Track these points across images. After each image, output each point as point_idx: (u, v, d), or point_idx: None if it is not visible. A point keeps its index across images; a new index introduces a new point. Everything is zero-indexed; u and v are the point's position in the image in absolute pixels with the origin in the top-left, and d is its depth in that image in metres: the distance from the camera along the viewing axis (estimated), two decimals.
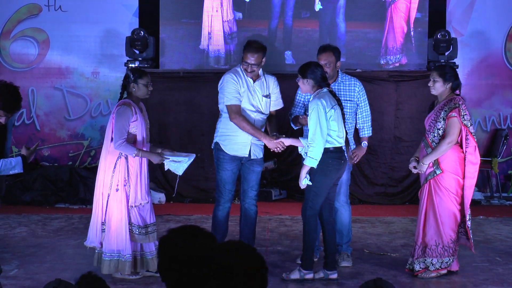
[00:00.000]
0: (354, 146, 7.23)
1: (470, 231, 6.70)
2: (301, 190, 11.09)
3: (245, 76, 6.90)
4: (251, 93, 6.90)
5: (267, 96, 6.98)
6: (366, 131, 7.31)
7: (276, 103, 7.07)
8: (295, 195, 10.92)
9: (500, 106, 11.73)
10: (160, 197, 10.51)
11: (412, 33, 11.31)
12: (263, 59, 6.86)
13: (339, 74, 7.18)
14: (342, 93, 7.07)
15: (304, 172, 6.35)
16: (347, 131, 6.78)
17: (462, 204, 6.64)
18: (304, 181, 6.37)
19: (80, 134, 11.78)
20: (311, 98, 6.45)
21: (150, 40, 10.96)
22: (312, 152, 6.28)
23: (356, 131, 7.34)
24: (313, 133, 6.28)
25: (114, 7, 11.64)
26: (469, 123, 6.54)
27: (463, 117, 6.50)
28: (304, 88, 6.49)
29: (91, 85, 11.76)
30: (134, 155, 6.35)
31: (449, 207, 6.58)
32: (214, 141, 7.04)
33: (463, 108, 6.53)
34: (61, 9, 11.66)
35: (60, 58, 11.73)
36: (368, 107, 7.26)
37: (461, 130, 6.52)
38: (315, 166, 6.29)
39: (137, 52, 11.00)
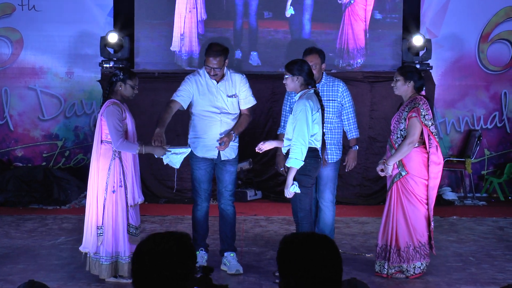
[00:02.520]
0: (339, 153, 7.27)
1: (432, 232, 6.68)
2: (276, 190, 11.14)
3: (206, 78, 6.90)
4: (215, 95, 6.88)
5: (233, 96, 6.94)
6: (354, 133, 7.39)
7: (246, 101, 7.02)
8: (270, 195, 10.94)
9: (473, 107, 11.82)
10: None
11: (367, 35, 11.36)
12: (226, 61, 6.86)
13: (323, 76, 7.27)
14: (325, 93, 7.13)
15: (291, 178, 6.28)
16: (325, 132, 6.83)
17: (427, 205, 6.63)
18: (292, 188, 6.28)
19: (54, 134, 11.71)
20: (297, 98, 6.42)
21: (125, 41, 10.92)
22: (296, 153, 6.24)
23: (344, 134, 7.41)
24: (298, 134, 6.24)
25: (88, 7, 11.57)
26: (430, 123, 6.47)
27: (424, 117, 6.44)
28: (293, 85, 6.44)
29: (65, 85, 11.69)
30: (137, 151, 6.31)
31: (419, 209, 6.56)
32: (188, 142, 7.06)
33: (424, 108, 6.47)
34: (35, 9, 11.58)
35: (34, 58, 11.65)
36: (352, 108, 7.31)
37: (423, 130, 6.50)
38: (298, 167, 6.26)
39: (111, 52, 10.96)
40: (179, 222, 9.29)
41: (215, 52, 6.79)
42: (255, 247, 7.93)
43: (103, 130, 6.36)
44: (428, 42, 10.91)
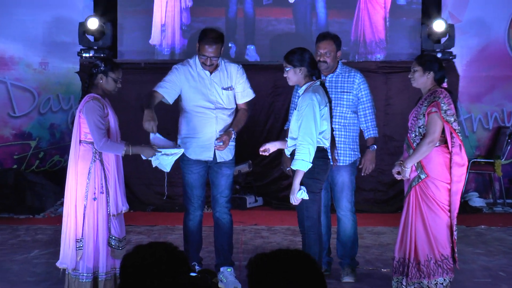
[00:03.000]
0: (355, 153, 7.25)
1: (455, 244, 6.63)
2: (279, 196, 11.10)
3: (198, 69, 6.86)
4: (208, 88, 6.85)
5: (229, 88, 6.90)
6: (372, 131, 7.31)
7: (243, 94, 6.99)
8: (272, 202, 10.91)
9: (503, 100, 11.80)
10: None
11: (388, 23, 11.33)
12: (222, 49, 6.83)
13: (339, 65, 7.22)
14: (339, 84, 7.12)
15: (298, 182, 6.21)
16: (338, 129, 6.88)
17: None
18: (300, 194, 6.21)
19: (27, 133, 11.69)
20: (302, 92, 6.39)
21: (106, 27, 10.90)
22: (302, 154, 6.17)
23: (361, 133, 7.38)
24: (305, 132, 6.18)
25: None
26: (452, 119, 6.40)
27: (445, 112, 6.36)
28: (295, 78, 6.39)
29: (39, 77, 11.67)
30: (123, 152, 6.28)
31: (440, 217, 6.48)
32: (178, 143, 6.99)
33: (445, 102, 6.40)
34: None
35: (3, 46, 11.62)
36: (370, 103, 7.24)
37: (445, 127, 6.45)
38: (306, 169, 6.22)
39: (91, 40, 10.93)
40: (169, 233, 9.27)
41: (212, 39, 6.75)
42: None
43: (82, 128, 6.30)
44: (450, 27, 10.90)
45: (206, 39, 6.76)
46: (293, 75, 6.39)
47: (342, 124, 7.06)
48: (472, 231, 9.55)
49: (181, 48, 11.31)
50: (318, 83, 6.37)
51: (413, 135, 6.52)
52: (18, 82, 11.68)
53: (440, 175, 6.45)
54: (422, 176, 6.45)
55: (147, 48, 11.37)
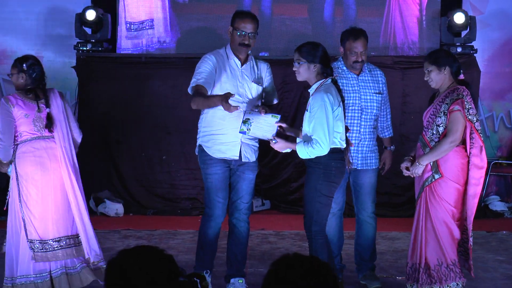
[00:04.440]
0: (373, 150, 7.30)
1: (471, 250, 6.62)
2: (288, 200, 11.09)
3: (230, 58, 6.74)
4: (239, 80, 6.74)
5: (259, 83, 6.81)
6: (389, 131, 7.51)
7: (272, 94, 6.94)
8: (280, 205, 10.92)
9: None
10: (117, 208, 10.45)
11: (424, 16, 11.33)
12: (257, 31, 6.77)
13: (365, 64, 7.25)
14: (371, 84, 7.13)
15: (292, 146, 6.30)
16: (368, 132, 7.01)
17: (461, 218, 6.55)
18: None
19: None
20: (312, 91, 6.31)
21: (105, 18, 10.91)
22: (313, 151, 6.15)
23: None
24: (318, 136, 6.13)
25: None
26: (474, 118, 6.41)
27: (468, 111, 6.37)
28: (307, 75, 6.32)
29: None
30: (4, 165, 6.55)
31: (444, 220, 6.47)
32: (197, 143, 6.88)
33: (468, 100, 6.40)
34: None
35: None
36: (388, 102, 7.40)
37: (465, 127, 6.46)
38: (302, 157, 6.25)
39: (89, 32, 10.95)
40: (170, 238, 9.28)
41: (250, 15, 6.75)
42: (262, 268, 7.90)
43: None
44: (472, 20, 10.88)
45: (245, 14, 6.75)
46: (305, 71, 6.31)
47: (373, 127, 7.15)
48: (493, 236, 9.55)
49: (185, 42, 11.30)
50: (330, 81, 6.32)
51: (430, 133, 6.50)
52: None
53: (454, 176, 6.44)
54: (436, 176, 6.44)
55: (151, 38, 11.37)
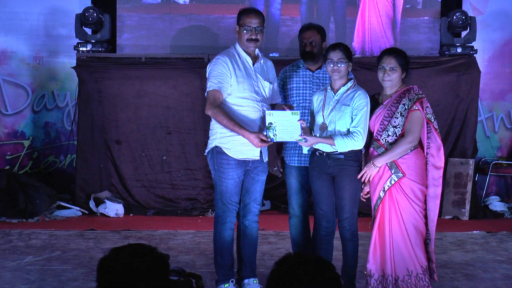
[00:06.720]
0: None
1: (434, 254, 6.47)
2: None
3: (242, 58, 6.68)
4: (253, 78, 6.67)
5: (269, 81, 6.76)
6: None
7: (275, 92, 6.89)
8: (280, 206, 10.92)
9: None
10: (118, 208, 10.46)
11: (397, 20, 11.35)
12: (264, 25, 6.75)
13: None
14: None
15: (325, 140, 6.34)
16: None
17: (426, 218, 6.42)
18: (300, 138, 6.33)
19: (20, 132, 11.73)
20: (346, 89, 6.42)
21: (105, 19, 10.92)
22: (354, 142, 6.29)
23: None
24: (362, 129, 6.32)
25: None
26: (432, 118, 6.36)
27: (425, 111, 6.35)
28: (344, 74, 6.43)
29: (33, 72, 11.72)
30: None
31: (415, 219, 6.36)
32: (212, 145, 6.69)
33: (425, 99, 6.40)
34: None
35: None
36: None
37: (423, 127, 6.37)
38: (340, 150, 6.32)
39: (89, 33, 10.97)
40: (171, 238, 9.28)
41: (255, 10, 6.75)
42: (263, 268, 7.89)
43: None
44: (472, 20, 10.88)
45: (249, 10, 6.73)
46: (346, 70, 6.44)
47: None
48: (493, 237, 9.55)
49: (185, 42, 11.31)
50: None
51: (385, 135, 6.31)
52: (10, 77, 11.71)
53: (416, 176, 6.31)
54: (399, 175, 6.35)
55: (150, 39, 11.39)
